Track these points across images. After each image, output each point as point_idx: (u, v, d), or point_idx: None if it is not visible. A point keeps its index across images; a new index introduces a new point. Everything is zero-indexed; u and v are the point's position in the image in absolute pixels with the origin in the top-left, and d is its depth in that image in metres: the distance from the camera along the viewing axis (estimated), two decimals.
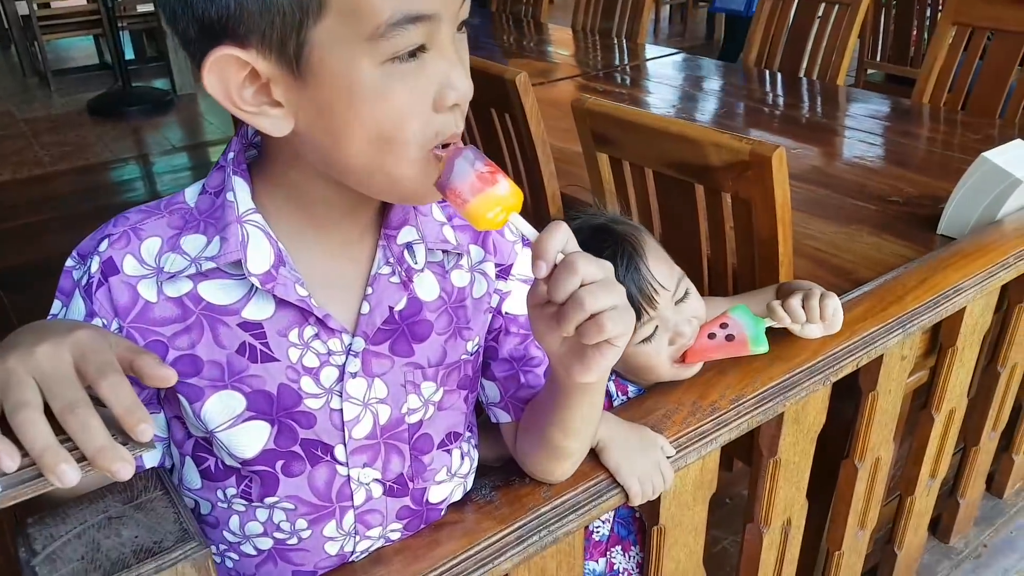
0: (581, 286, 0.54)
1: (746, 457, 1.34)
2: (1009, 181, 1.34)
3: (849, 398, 1.19)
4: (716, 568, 1.51)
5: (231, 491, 0.70)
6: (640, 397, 0.98)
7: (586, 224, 0.99)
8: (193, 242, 0.64)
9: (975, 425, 1.50)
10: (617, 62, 2.86)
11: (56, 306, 0.67)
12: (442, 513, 0.80)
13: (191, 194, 0.67)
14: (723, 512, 1.66)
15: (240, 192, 0.64)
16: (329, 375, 0.68)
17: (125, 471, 0.47)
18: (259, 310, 0.65)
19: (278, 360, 0.66)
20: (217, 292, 0.64)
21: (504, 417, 0.80)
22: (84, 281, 0.64)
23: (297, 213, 0.66)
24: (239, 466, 0.68)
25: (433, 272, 0.72)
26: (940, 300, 1.15)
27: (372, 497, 0.74)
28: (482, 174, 0.58)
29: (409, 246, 0.69)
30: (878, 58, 3.38)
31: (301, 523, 0.71)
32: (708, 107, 2.31)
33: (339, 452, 0.70)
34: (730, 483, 1.82)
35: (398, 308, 0.70)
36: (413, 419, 0.73)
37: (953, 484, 1.59)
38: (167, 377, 0.52)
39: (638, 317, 0.94)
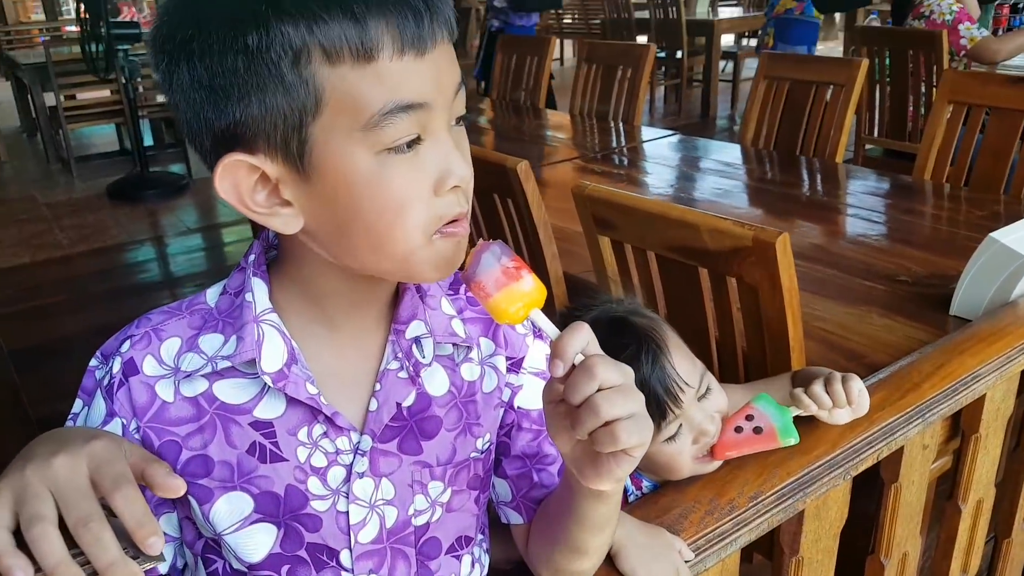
0: (598, 391, 0.53)
1: (766, 551, 1.28)
2: (1020, 262, 1.31)
3: (871, 490, 1.13)
4: None
5: None
6: (654, 494, 0.93)
7: (604, 316, 0.97)
8: (211, 342, 0.66)
9: (1005, 515, 1.44)
10: (614, 144, 2.89)
11: (77, 405, 0.68)
12: None
13: (212, 295, 0.69)
14: None
15: (258, 292, 0.66)
16: (336, 475, 0.67)
17: None
18: (270, 409, 0.66)
19: (287, 460, 0.66)
20: (231, 391, 0.65)
21: (516, 518, 0.77)
22: (106, 382, 0.66)
23: (309, 308, 0.67)
24: (246, 570, 0.67)
25: (443, 366, 0.72)
26: (959, 387, 1.11)
27: None
28: (508, 269, 0.59)
29: (417, 340, 0.69)
30: (875, 134, 3.41)
31: None
32: (706, 186, 2.31)
33: (344, 558, 0.68)
34: (751, 574, 1.74)
35: (406, 404, 0.69)
36: (420, 521, 0.71)
37: None
38: (176, 487, 0.53)
39: (663, 416, 0.91)
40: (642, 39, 6.69)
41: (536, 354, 0.76)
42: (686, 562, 0.83)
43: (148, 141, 5.97)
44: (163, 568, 0.67)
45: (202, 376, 0.65)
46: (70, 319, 3.39)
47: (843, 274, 1.63)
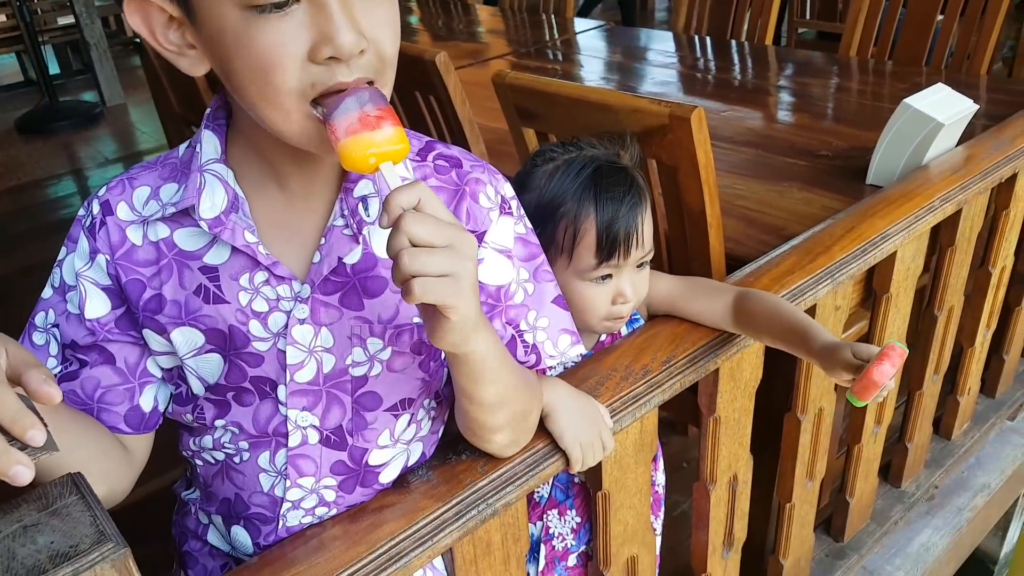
0: (412, 247, 0.55)
1: (697, 421, 1.35)
2: (932, 125, 1.36)
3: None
4: (677, 531, 1.52)
5: (189, 416, 0.77)
6: (573, 367, 0.98)
7: (596, 158, 0.98)
8: (168, 191, 0.71)
9: (917, 370, 1.53)
10: (547, 38, 2.85)
11: (62, 252, 0.74)
12: (379, 479, 0.80)
13: (183, 148, 0.73)
14: (680, 476, 1.67)
15: (207, 144, 0.69)
16: (277, 320, 0.71)
17: (23, 475, 0.49)
18: (217, 256, 0.70)
19: (228, 302, 0.71)
20: (187, 239, 0.71)
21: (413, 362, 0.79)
22: (88, 223, 0.72)
23: (259, 164, 0.70)
24: (203, 393, 0.75)
25: None
26: (867, 248, 1.16)
27: (307, 442, 0.76)
28: (367, 116, 0.57)
29: (364, 199, 0.70)
30: (807, 16, 3.41)
31: (243, 444, 0.77)
32: (640, 76, 2.30)
33: (281, 392, 0.74)
34: (686, 447, 1.84)
35: (350, 261, 0.71)
36: (357, 372, 0.75)
37: (900, 430, 1.62)
38: (52, 396, 0.53)
39: (608, 257, 0.95)
40: None
41: (501, 230, 0.76)
42: (609, 429, 0.88)
43: (54, 69, 5.61)
44: (146, 407, 0.76)
45: (164, 223, 0.71)
46: None
47: (767, 153, 1.67)
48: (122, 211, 0.72)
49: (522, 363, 0.80)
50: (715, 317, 1.00)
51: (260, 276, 0.70)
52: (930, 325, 1.50)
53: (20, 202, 3.92)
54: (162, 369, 0.76)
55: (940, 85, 1.45)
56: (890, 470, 1.65)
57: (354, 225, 0.70)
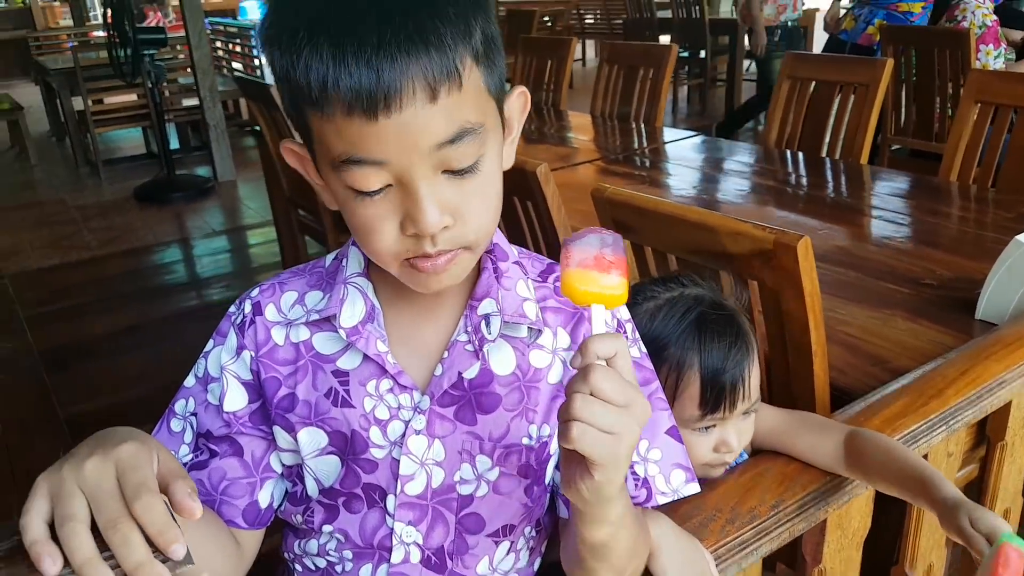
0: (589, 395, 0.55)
1: (788, 560, 1.26)
2: None
3: (895, 500, 1.12)
4: None
5: (300, 517, 0.79)
6: (675, 502, 0.92)
7: (699, 299, 0.97)
8: (313, 297, 0.77)
9: None
10: (636, 145, 2.88)
11: (209, 344, 0.79)
12: None
13: (329, 259, 0.80)
14: None
15: (352, 258, 0.76)
16: (395, 428, 0.74)
17: None
18: (350, 361, 0.75)
19: (354, 407, 0.74)
20: (325, 343, 0.75)
21: (563, 511, 0.78)
22: (239, 320, 0.78)
23: (394, 280, 0.72)
24: (317, 495, 0.76)
25: (513, 347, 0.75)
26: (983, 393, 1.09)
27: (409, 560, 0.76)
28: (602, 258, 0.60)
29: (487, 318, 0.74)
30: (901, 133, 3.36)
31: (347, 553, 0.78)
32: (729, 188, 2.29)
33: (390, 503, 0.75)
34: None
35: (469, 376, 0.74)
36: (464, 490, 0.76)
37: None
38: (194, 511, 0.53)
39: (714, 409, 0.92)
40: (665, 39, 6.66)
41: None
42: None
43: (174, 144, 6.08)
44: (263, 502, 0.78)
45: (306, 326, 0.76)
46: (99, 320, 3.46)
47: (867, 277, 1.61)
48: (270, 312, 0.77)
49: (634, 499, 0.76)
50: (825, 457, 0.94)
51: (385, 384, 0.74)
52: None
53: (131, 264, 4.19)
54: (283, 466, 0.78)
55: None
56: None
57: (476, 341, 0.74)
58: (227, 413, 0.76)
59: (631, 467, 0.76)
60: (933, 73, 3.14)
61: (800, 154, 2.57)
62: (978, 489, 1.27)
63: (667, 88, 2.97)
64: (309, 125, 0.63)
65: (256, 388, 0.76)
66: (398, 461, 0.74)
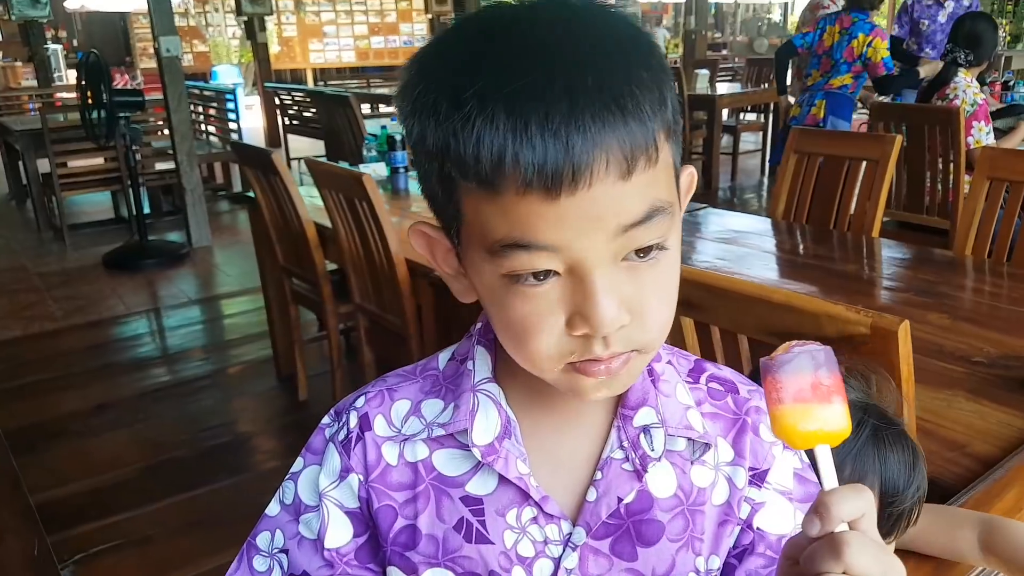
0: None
1: None
2: None
3: None
4: None
5: None
6: None
7: (874, 409, 0.89)
8: (431, 407, 0.65)
9: None
10: None
11: (298, 463, 0.68)
12: None
13: (443, 359, 0.68)
14: None
15: (479, 361, 0.64)
16: (543, 568, 0.62)
17: None
18: (482, 485, 0.63)
19: (493, 543, 0.63)
20: (448, 462, 0.64)
21: None
22: (342, 436, 0.66)
23: (529, 383, 0.62)
24: None
25: (672, 464, 0.64)
26: None
27: None
28: (820, 385, 0.50)
29: (647, 430, 0.63)
30: (892, 207, 3.44)
31: None
32: (753, 262, 2.28)
33: None
34: None
35: (626, 501, 0.62)
36: None
37: None
38: None
39: (889, 534, 0.84)
40: None
41: (782, 467, 0.67)
42: None
43: (146, 209, 5.94)
44: None
45: (423, 442, 0.64)
46: (65, 397, 3.27)
47: (918, 355, 1.58)
48: (379, 426, 0.65)
49: None
50: (961, 551, 0.89)
51: (528, 513, 0.62)
52: None
53: (100, 337, 3.99)
54: None
55: None
56: None
57: (636, 459, 0.62)
58: (329, 551, 0.64)
59: None
60: (923, 148, 3.23)
61: (809, 228, 2.58)
62: None
63: None
64: (460, 205, 0.54)
65: (364, 519, 0.65)
66: None
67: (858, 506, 0.47)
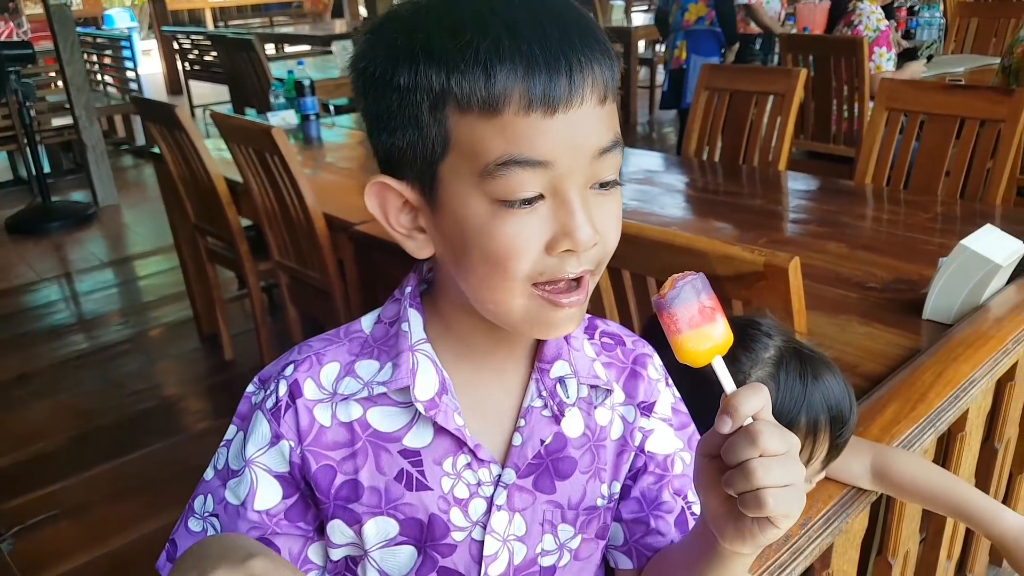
0: (758, 456, 0.53)
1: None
2: (990, 267, 1.40)
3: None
4: None
5: None
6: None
7: (804, 350, 0.94)
8: (367, 367, 0.68)
9: None
10: None
11: (231, 431, 0.70)
12: None
13: (367, 323, 0.71)
14: None
15: (414, 322, 0.68)
16: (477, 507, 0.69)
17: None
18: (419, 438, 0.68)
19: (431, 489, 0.68)
20: (383, 419, 0.68)
21: (625, 562, 0.77)
22: (270, 404, 0.68)
23: (456, 343, 0.69)
24: None
25: (579, 408, 0.72)
26: (959, 394, 1.18)
27: None
28: (704, 308, 0.58)
29: (562, 380, 0.71)
30: (800, 136, 3.56)
31: None
32: (668, 202, 2.35)
33: None
34: None
35: (546, 443, 0.70)
36: (546, 562, 0.72)
37: (960, 563, 1.60)
38: None
39: (836, 455, 0.92)
40: None
41: (665, 400, 0.76)
42: None
43: (46, 168, 5.62)
44: None
45: (356, 402, 0.67)
46: None
47: (816, 284, 1.69)
48: (309, 390, 0.68)
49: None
50: (852, 477, 0.99)
51: (463, 460, 0.68)
52: (991, 456, 1.50)
53: (10, 306, 3.84)
54: (329, 561, 0.71)
55: (990, 227, 1.50)
56: None
57: (554, 406, 0.70)
58: (257, 512, 0.67)
59: (689, 506, 0.77)
60: (830, 78, 3.34)
61: (721, 165, 2.67)
62: None
63: None
64: (448, 136, 0.58)
65: (293, 482, 0.68)
66: (480, 542, 0.69)
67: (759, 401, 0.55)
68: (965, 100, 2.21)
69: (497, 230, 0.58)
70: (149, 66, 9.76)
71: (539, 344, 0.71)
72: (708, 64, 2.81)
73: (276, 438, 0.67)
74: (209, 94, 7.26)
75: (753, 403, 0.54)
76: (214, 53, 6.29)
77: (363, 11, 10.14)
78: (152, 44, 11.24)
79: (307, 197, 2.25)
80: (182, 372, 3.19)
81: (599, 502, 0.73)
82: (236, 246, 2.75)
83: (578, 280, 0.61)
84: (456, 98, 0.56)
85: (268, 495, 0.68)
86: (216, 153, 2.71)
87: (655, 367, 0.77)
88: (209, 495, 0.70)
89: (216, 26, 13.04)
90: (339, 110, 4.33)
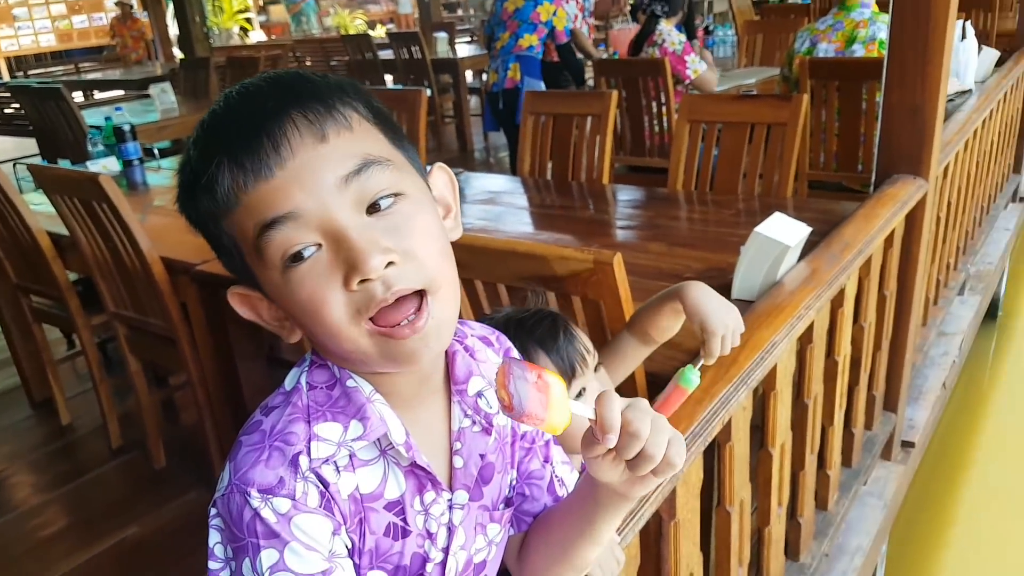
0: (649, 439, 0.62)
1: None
2: (780, 248, 1.64)
3: (710, 453, 1.37)
4: None
5: None
6: None
7: (515, 315, 1.11)
8: (330, 430, 0.66)
9: (798, 453, 1.77)
10: None
11: (271, 557, 0.62)
12: None
13: (303, 388, 0.69)
14: None
15: (359, 377, 0.68)
16: (442, 535, 0.73)
17: None
18: (395, 487, 0.70)
19: (411, 531, 0.71)
20: (365, 481, 0.68)
21: (509, 531, 0.84)
22: (315, 502, 0.64)
23: (383, 388, 0.69)
24: None
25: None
26: (764, 355, 1.39)
27: None
28: (536, 382, 0.61)
29: (480, 394, 0.76)
30: (619, 152, 3.87)
31: None
32: (510, 219, 2.51)
33: None
34: None
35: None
36: (478, 558, 0.79)
37: (791, 508, 1.84)
38: None
39: (573, 376, 1.08)
40: (388, 79, 6.89)
41: None
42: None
43: None
44: None
45: (344, 471, 0.66)
46: None
47: (640, 279, 1.89)
48: (329, 475, 0.66)
49: (557, 499, 0.86)
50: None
51: (429, 496, 0.72)
52: (803, 412, 1.75)
53: None
54: None
55: (778, 214, 1.75)
56: (788, 547, 1.86)
57: (481, 420, 0.76)
58: None
59: (554, 471, 0.88)
60: (639, 96, 3.67)
61: (552, 181, 2.88)
62: (761, 432, 1.58)
63: (423, 131, 3.16)
64: (235, 242, 0.64)
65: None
66: (441, 565, 0.73)
67: (619, 405, 0.61)
68: (754, 108, 2.53)
69: (295, 291, 0.62)
70: None
71: (450, 368, 0.75)
72: (531, 91, 3.02)
73: (338, 527, 0.66)
74: (11, 148, 6.78)
75: (616, 410, 0.61)
76: (15, 105, 5.92)
77: (178, 52, 9.86)
78: None
79: (142, 243, 2.20)
80: (16, 443, 3.00)
81: (507, 492, 0.82)
82: (66, 302, 2.63)
83: (419, 304, 0.63)
84: (214, 213, 0.63)
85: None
86: (34, 207, 2.61)
87: (517, 353, 0.87)
88: None
89: (13, 76, 12.18)
90: (163, 153, 4.24)
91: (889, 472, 2.30)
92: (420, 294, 0.63)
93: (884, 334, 2.19)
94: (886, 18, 2.99)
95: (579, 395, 1.10)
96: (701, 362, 1.21)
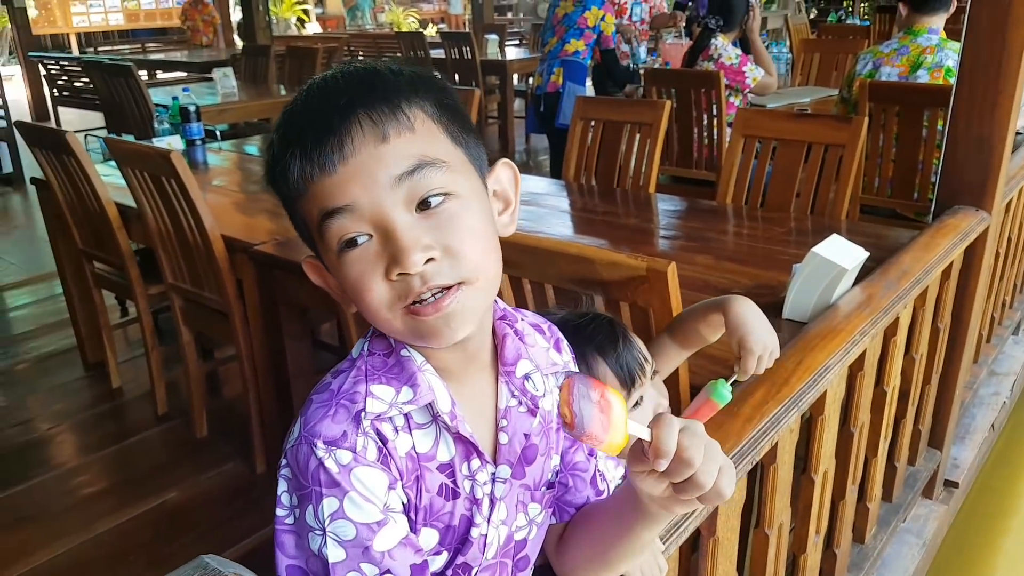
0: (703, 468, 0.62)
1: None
2: (837, 271, 1.59)
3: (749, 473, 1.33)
4: None
5: None
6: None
7: (572, 318, 1.09)
8: (384, 391, 0.71)
9: (839, 482, 1.71)
10: None
11: (331, 504, 0.66)
12: None
13: (358, 355, 0.75)
14: None
15: (412, 350, 0.73)
16: (485, 504, 0.77)
17: None
18: (446, 451, 0.74)
19: (460, 494, 0.75)
20: (420, 442, 0.73)
21: (551, 518, 0.87)
22: (373, 455, 0.68)
23: (435, 362, 0.74)
24: None
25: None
26: (816, 379, 1.34)
27: None
28: (599, 402, 0.62)
29: (528, 376, 0.80)
30: (665, 163, 3.82)
31: None
32: (551, 220, 2.49)
33: (474, 574, 0.78)
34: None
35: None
36: (519, 536, 0.82)
37: (827, 538, 1.78)
38: None
39: (632, 385, 1.06)
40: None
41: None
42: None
43: None
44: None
45: (401, 431, 0.71)
46: None
47: (688, 291, 1.85)
48: (388, 431, 0.70)
49: (599, 492, 0.89)
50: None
51: (475, 463, 0.76)
52: (848, 441, 1.70)
53: None
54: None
55: (836, 236, 1.70)
56: None
57: (527, 402, 0.80)
58: (417, 548, 0.70)
59: (600, 474, 0.88)
60: (691, 108, 3.62)
61: (597, 187, 2.84)
62: (805, 457, 1.53)
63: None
64: (304, 221, 0.70)
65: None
66: (485, 535, 0.77)
67: (675, 430, 0.61)
68: (812, 127, 2.48)
69: (346, 272, 0.68)
70: (12, 92, 9.26)
71: (499, 349, 0.78)
72: (581, 96, 2.99)
73: (394, 481, 0.70)
74: (77, 121, 6.93)
75: (673, 438, 0.61)
76: (86, 79, 6.04)
77: (237, 40, 9.99)
78: (15, 70, 10.61)
79: (205, 220, 2.27)
80: (67, 402, 3.07)
81: (550, 477, 0.84)
82: (126, 270, 2.71)
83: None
84: (288, 195, 0.69)
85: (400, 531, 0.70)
86: (103, 178, 2.68)
87: (567, 347, 0.89)
88: (367, 564, 0.67)
89: (82, 51, 12.47)
90: (224, 136, 4.30)
91: (930, 511, 2.23)
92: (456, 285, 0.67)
93: (935, 368, 2.12)
94: (955, 46, 2.93)
95: (636, 404, 1.08)
96: (734, 377, 1.18)
